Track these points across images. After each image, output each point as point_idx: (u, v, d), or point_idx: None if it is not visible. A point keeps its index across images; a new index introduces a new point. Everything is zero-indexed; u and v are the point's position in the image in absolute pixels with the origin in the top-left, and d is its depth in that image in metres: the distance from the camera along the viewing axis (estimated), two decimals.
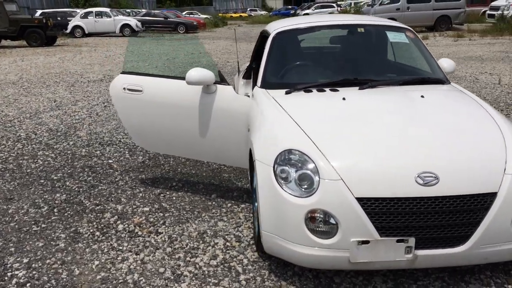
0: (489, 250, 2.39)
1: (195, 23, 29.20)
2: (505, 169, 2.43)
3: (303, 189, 2.43)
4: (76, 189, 4.05)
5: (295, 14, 40.70)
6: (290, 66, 3.57)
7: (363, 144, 2.54)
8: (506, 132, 2.67)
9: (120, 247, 3.06)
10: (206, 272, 2.77)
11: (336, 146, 2.54)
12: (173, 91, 3.62)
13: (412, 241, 2.32)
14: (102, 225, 3.38)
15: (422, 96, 3.05)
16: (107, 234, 3.25)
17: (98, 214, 3.56)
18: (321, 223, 2.38)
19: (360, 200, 2.34)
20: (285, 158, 2.54)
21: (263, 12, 56.61)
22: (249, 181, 3.31)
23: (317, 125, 2.72)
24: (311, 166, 2.46)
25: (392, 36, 3.71)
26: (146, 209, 3.64)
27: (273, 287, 2.61)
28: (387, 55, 3.74)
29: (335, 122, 2.75)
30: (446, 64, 3.63)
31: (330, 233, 2.37)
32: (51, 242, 3.15)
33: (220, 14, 48.89)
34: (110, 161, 4.75)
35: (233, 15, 54.83)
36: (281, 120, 2.83)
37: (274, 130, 2.78)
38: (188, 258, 2.92)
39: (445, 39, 17.39)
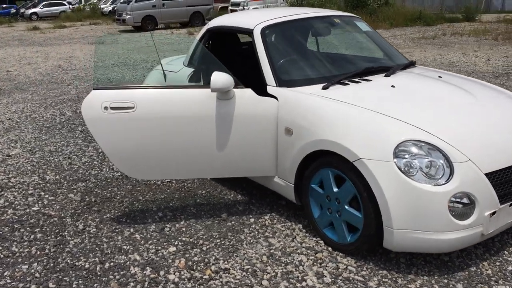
0: None
1: None
2: None
3: (436, 177, 2.47)
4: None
5: (18, 13, 36.41)
6: (296, 60, 3.41)
7: (461, 124, 2.71)
8: None
9: None
10: None
11: (445, 130, 2.64)
12: (177, 102, 3.05)
13: None
14: (145, 286, 2.65)
15: (440, 77, 3.38)
16: None
17: (122, 279, 2.75)
18: (460, 206, 2.48)
19: (487, 175, 2.53)
20: (404, 150, 2.52)
21: None
22: (293, 187, 3.08)
23: (406, 113, 2.74)
24: (436, 153, 2.51)
25: (363, 26, 3.92)
26: (172, 249, 2.98)
27: (406, 283, 2.58)
28: (367, 44, 3.93)
29: (418, 108, 2.82)
30: None
31: (468, 213, 2.50)
32: None
33: None
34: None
35: None
36: (363, 114, 2.74)
37: (365, 124, 2.68)
38: (298, 285, 2.59)
39: None
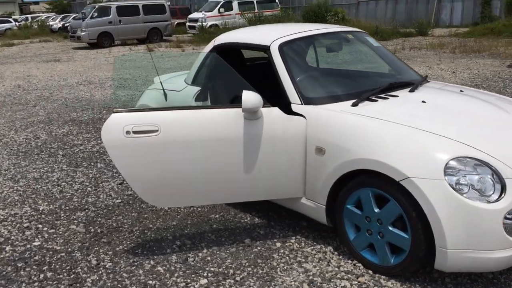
0: None
1: None
2: None
3: (488, 193, 2.42)
4: None
5: None
6: (317, 76, 3.31)
7: (503, 139, 2.68)
8: None
9: None
10: None
11: (490, 145, 2.60)
12: (204, 124, 2.87)
13: None
14: None
15: (462, 91, 3.37)
16: None
17: None
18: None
19: None
20: (453, 167, 2.46)
21: None
22: (325, 209, 2.96)
23: (448, 129, 2.69)
24: (486, 169, 2.46)
25: (373, 41, 3.88)
26: (203, 281, 2.77)
27: None
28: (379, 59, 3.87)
29: (457, 124, 2.77)
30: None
31: None
32: None
33: None
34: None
35: None
36: (404, 131, 2.66)
37: (409, 141, 2.59)
38: None
39: (174, 50, 18.16)
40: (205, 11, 23.21)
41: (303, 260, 2.97)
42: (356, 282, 2.72)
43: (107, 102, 8.27)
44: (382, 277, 2.75)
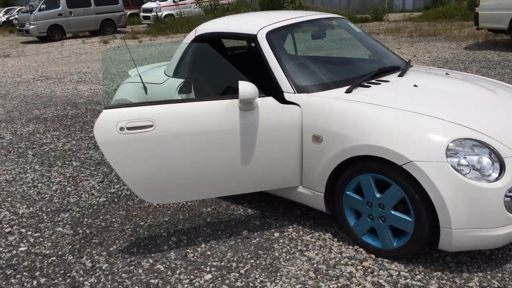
0: None
1: None
2: None
3: (488, 173, 2.49)
4: None
5: None
6: (307, 64, 3.29)
7: (497, 119, 2.75)
8: None
9: None
10: None
11: (486, 126, 2.66)
12: (199, 117, 2.80)
13: None
14: None
15: (447, 74, 3.44)
16: None
17: None
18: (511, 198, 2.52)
19: None
20: (454, 149, 2.51)
21: None
22: (323, 196, 2.96)
23: (444, 112, 2.73)
24: (485, 149, 2.53)
25: (354, 27, 3.88)
26: (207, 276, 2.72)
27: (464, 282, 2.57)
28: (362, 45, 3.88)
29: (452, 106, 2.81)
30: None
31: None
32: None
33: None
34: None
35: None
36: (403, 115, 2.68)
37: (408, 126, 2.62)
38: None
39: (130, 41, 17.64)
40: (159, 1, 22.71)
41: (304, 248, 2.97)
42: (361, 267, 2.74)
43: (69, 97, 7.96)
44: (385, 260, 2.79)
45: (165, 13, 22.18)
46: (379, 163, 2.68)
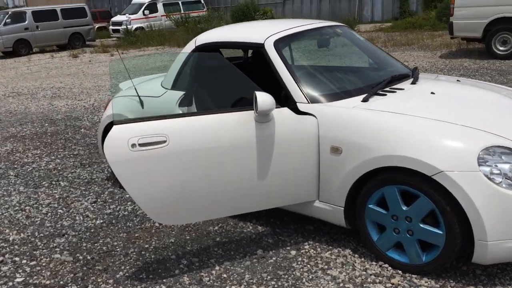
0: None
1: None
2: None
3: None
4: None
5: None
6: (318, 73, 3.17)
7: None
8: None
9: None
10: None
11: (510, 132, 2.59)
12: (214, 130, 2.63)
13: None
14: None
15: (458, 81, 3.37)
16: None
17: None
18: None
19: None
20: (485, 157, 2.43)
21: None
22: (343, 210, 2.83)
23: (468, 119, 2.64)
24: None
25: (357, 35, 3.79)
26: None
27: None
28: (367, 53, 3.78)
29: (475, 113, 2.73)
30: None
31: None
32: None
33: None
34: None
35: None
36: (428, 124, 2.58)
37: (436, 135, 2.51)
38: None
39: (102, 55, 17.25)
40: (129, 14, 22.37)
41: (326, 266, 2.82)
42: (390, 285, 2.61)
43: (46, 114, 7.61)
44: (414, 276, 2.67)
45: (135, 26, 21.84)
46: (405, 174, 2.56)
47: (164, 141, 2.54)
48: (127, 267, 2.94)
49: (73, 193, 4.19)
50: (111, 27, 22.76)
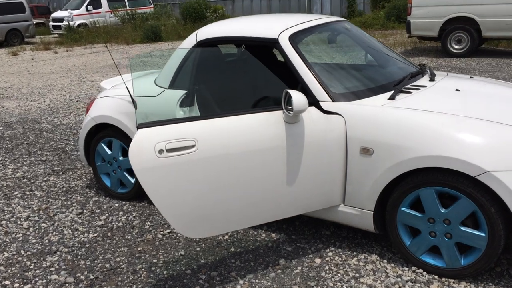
0: None
1: None
2: None
3: None
4: None
5: None
6: (337, 70, 3.00)
7: None
8: None
9: None
10: None
11: None
12: (244, 133, 2.40)
13: None
14: None
15: (472, 77, 3.32)
16: None
17: None
18: None
19: None
20: None
21: None
22: (373, 215, 2.69)
23: (503, 116, 2.57)
24: None
25: (363, 31, 3.66)
26: None
27: None
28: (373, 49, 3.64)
29: (504, 109, 2.66)
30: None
31: None
32: None
33: None
34: None
35: None
36: (468, 122, 2.47)
37: (477, 133, 2.41)
38: None
39: (44, 53, 16.24)
40: (71, 9, 21.29)
41: (357, 275, 2.66)
42: None
43: (14, 114, 6.98)
44: (451, 280, 2.57)
45: (78, 22, 20.82)
46: (443, 175, 2.45)
47: (193, 146, 2.27)
48: (140, 285, 2.64)
49: (53, 204, 3.78)
50: (51, 23, 21.56)
